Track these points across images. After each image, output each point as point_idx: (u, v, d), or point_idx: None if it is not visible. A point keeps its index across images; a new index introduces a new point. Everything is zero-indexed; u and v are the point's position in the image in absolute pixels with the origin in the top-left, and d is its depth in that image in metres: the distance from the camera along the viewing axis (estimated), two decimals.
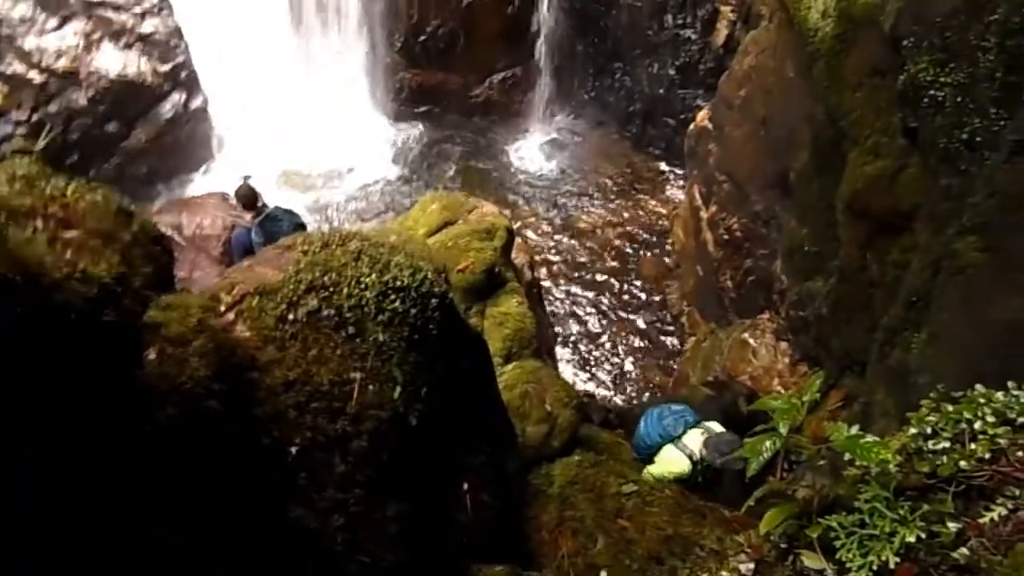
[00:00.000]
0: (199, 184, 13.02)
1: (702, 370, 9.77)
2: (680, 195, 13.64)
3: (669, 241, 12.94)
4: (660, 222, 13.60)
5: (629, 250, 13.11)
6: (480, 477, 3.24)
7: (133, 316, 2.03)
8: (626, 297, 12.27)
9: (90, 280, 1.83)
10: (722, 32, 13.27)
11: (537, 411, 4.94)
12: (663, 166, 14.84)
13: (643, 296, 12.31)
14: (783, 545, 2.24)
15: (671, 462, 5.05)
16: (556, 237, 13.29)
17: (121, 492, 1.81)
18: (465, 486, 3.17)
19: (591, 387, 10.70)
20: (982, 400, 2.20)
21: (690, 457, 5.00)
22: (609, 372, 11.08)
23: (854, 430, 2.10)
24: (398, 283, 2.78)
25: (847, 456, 2.12)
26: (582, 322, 11.79)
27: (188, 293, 2.50)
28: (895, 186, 6.53)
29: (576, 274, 12.60)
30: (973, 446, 2.13)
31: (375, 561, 2.52)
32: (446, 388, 2.99)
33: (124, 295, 1.98)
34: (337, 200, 13.66)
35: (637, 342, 11.55)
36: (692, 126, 11.65)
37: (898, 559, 1.95)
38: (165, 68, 12.58)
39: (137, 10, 12.29)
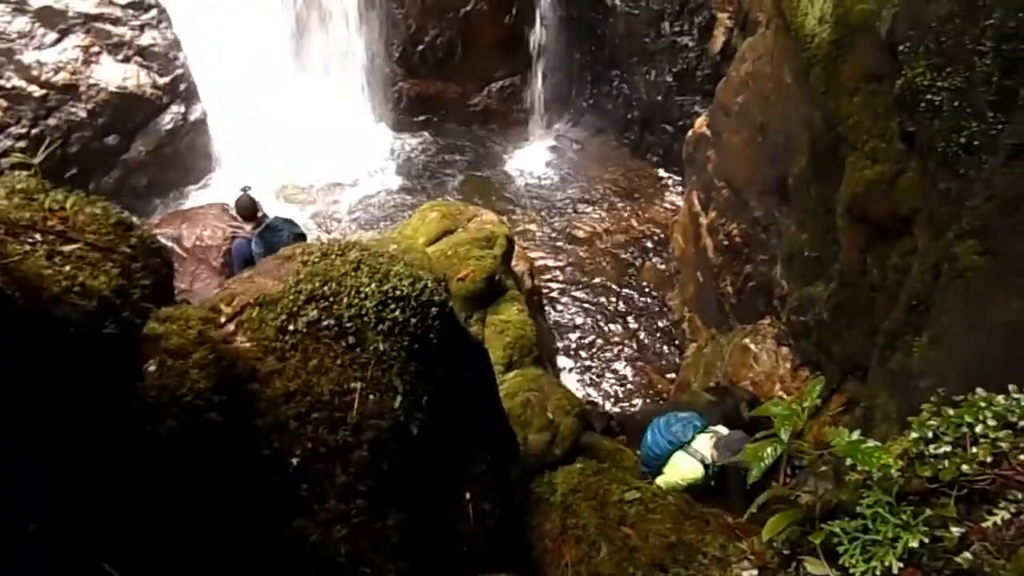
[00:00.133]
0: (199, 196, 13.03)
1: (703, 376, 9.76)
2: (679, 201, 13.65)
3: (669, 247, 12.95)
4: (659, 229, 13.61)
5: (629, 257, 13.12)
6: (482, 486, 3.23)
7: (133, 328, 2.03)
8: (626, 304, 12.27)
9: (89, 293, 1.83)
10: (719, 39, 13.32)
11: (539, 419, 4.93)
12: (661, 173, 14.86)
13: (644, 303, 12.31)
14: (786, 551, 2.23)
15: (684, 469, 4.97)
16: (556, 244, 13.29)
17: (123, 499, 1.81)
18: (467, 495, 3.16)
19: (592, 394, 10.68)
20: (983, 404, 2.20)
21: (702, 462, 4.93)
22: (610, 379, 11.06)
23: (855, 435, 2.10)
24: (398, 292, 2.78)
25: (849, 461, 2.11)
26: (583, 329, 11.79)
27: (188, 305, 2.51)
28: (894, 190, 6.54)
29: (576, 281, 12.60)
30: (975, 450, 2.12)
31: (377, 571, 2.52)
32: (447, 397, 2.99)
33: (123, 308, 1.98)
34: (337, 210, 13.67)
35: (638, 349, 11.54)
36: (690, 133, 11.67)
37: (901, 564, 1.95)
38: (164, 80, 12.61)
39: (136, 23, 12.33)
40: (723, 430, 5.10)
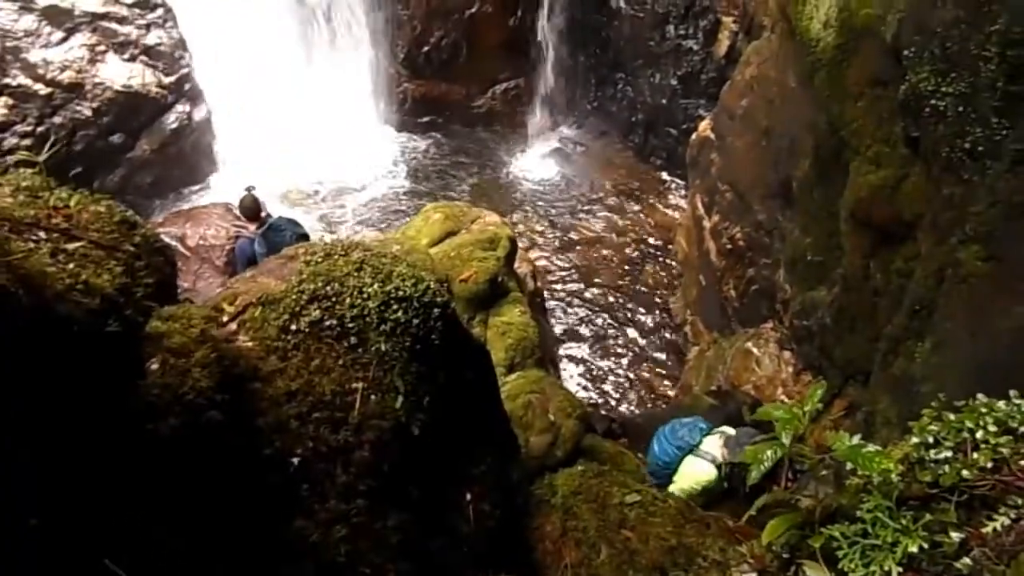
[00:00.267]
0: (202, 195, 13.06)
1: (705, 380, 9.75)
2: (683, 205, 13.65)
3: (672, 251, 12.95)
4: (662, 232, 13.61)
5: (631, 259, 13.12)
6: (483, 487, 3.23)
7: (135, 327, 2.04)
8: (629, 306, 12.27)
9: (93, 291, 1.84)
10: (724, 43, 13.32)
11: (540, 421, 4.94)
12: (665, 176, 14.87)
13: (646, 305, 12.30)
14: (785, 555, 2.23)
15: (696, 473, 4.88)
16: (559, 247, 13.30)
17: (123, 498, 1.81)
18: (468, 496, 3.16)
19: (594, 397, 10.68)
20: (984, 409, 2.20)
21: (713, 462, 4.86)
22: (612, 382, 11.06)
23: (856, 439, 2.10)
24: (400, 293, 2.78)
25: (849, 466, 2.11)
26: (585, 332, 11.78)
27: (191, 304, 2.51)
28: (897, 195, 6.53)
29: (579, 284, 12.60)
30: (975, 455, 2.12)
31: (377, 572, 2.52)
32: (448, 398, 2.99)
33: (126, 306, 1.99)
34: (340, 210, 13.69)
35: (640, 352, 11.54)
36: (694, 136, 11.67)
37: (901, 569, 1.94)
38: (169, 80, 12.64)
39: (142, 22, 12.36)
40: (730, 430, 5.03)
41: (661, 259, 13.11)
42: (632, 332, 11.83)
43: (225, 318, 2.60)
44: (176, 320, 2.20)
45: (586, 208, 14.20)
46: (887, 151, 6.62)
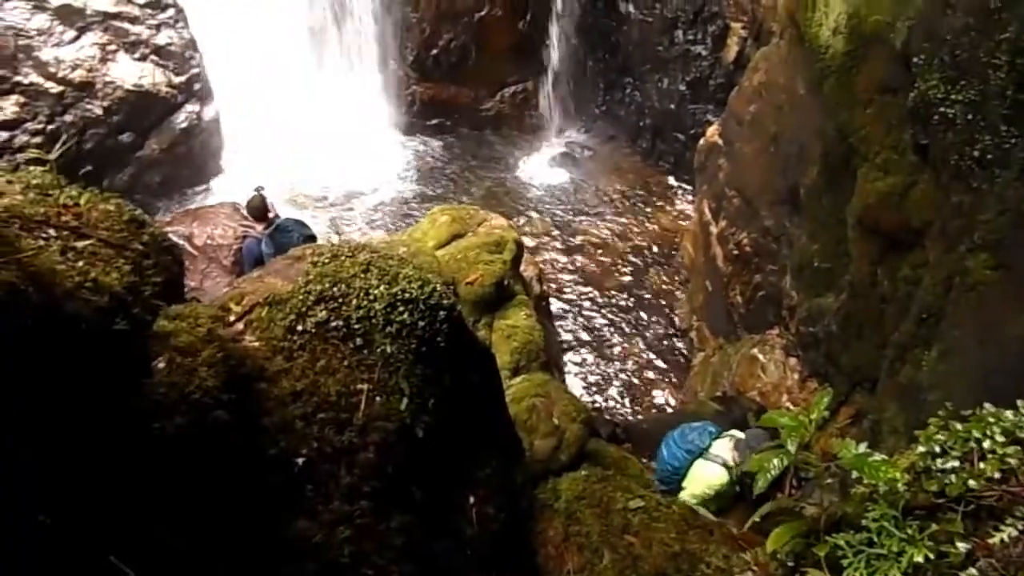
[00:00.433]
0: (210, 195, 13.10)
1: (711, 385, 9.73)
2: (689, 210, 13.64)
3: (678, 256, 12.93)
4: (669, 237, 13.59)
5: (638, 264, 13.11)
6: (487, 490, 3.23)
7: (143, 325, 2.04)
8: (635, 311, 12.25)
9: (101, 289, 1.85)
10: (732, 48, 13.31)
11: (545, 425, 4.93)
12: (672, 181, 14.85)
13: (651, 310, 12.29)
14: (790, 563, 2.22)
15: (707, 477, 4.82)
16: (565, 250, 13.30)
17: (127, 497, 1.81)
18: (472, 499, 3.16)
19: (598, 401, 10.67)
20: (991, 419, 2.19)
21: (724, 465, 4.82)
22: (617, 386, 11.05)
23: (862, 448, 2.09)
24: (407, 295, 2.78)
25: (855, 474, 2.10)
26: (590, 336, 11.78)
27: (198, 303, 2.52)
28: (906, 203, 6.51)
29: (585, 288, 12.60)
30: (982, 465, 2.11)
31: (380, 573, 2.52)
32: (454, 400, 2.99)
33: (134, 304, 2.00)
34: (347, 211, 13.72)
35: (645, 356, 11.52)
36: (702, 141, 11.66)
37: None
38: (180, 80, 12.70)
39: (153, 22, 12.42)
40: (739, 433, 4.99)
41: (667, 264, 13.09)
42: (637, 337, 11.81)
43: (232, 318, 2.61)
44: (183, 319, 2.21)
45: (593, 212, 14.20)
46: (896, 158, 6.61)
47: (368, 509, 2.52)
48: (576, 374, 11.04)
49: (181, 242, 9.51)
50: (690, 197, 14.02)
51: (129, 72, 12.16)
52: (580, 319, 12.03)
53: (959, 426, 2.21)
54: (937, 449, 2.15)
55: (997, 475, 2.08)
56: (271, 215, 8.25)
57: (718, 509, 4.68)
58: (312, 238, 8.04)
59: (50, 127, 11.27)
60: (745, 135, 9.99)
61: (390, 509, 2.61)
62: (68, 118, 11.52)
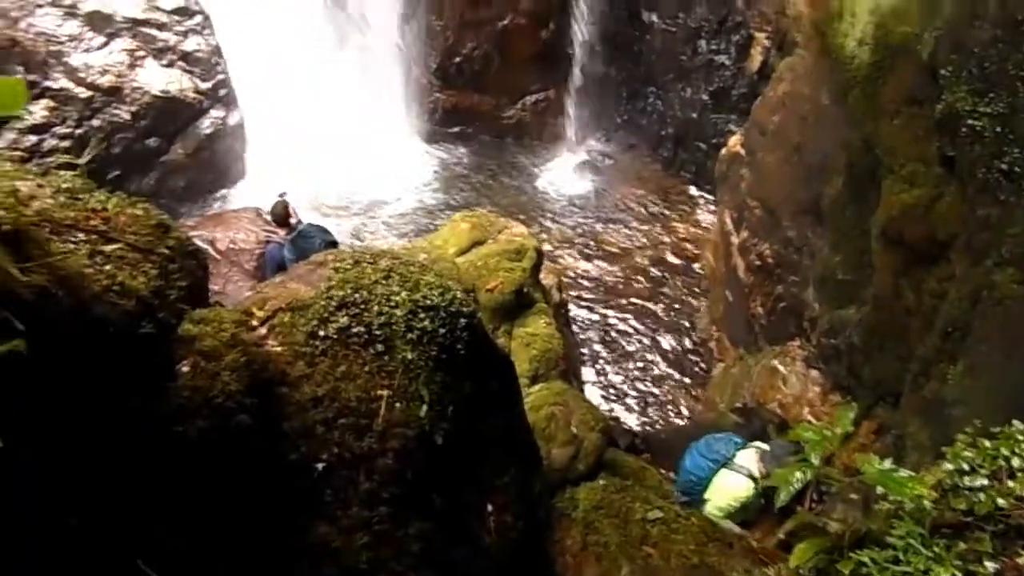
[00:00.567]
0: (233, 200, 13.22)
1: (730, 396, 9.64)
2: (710, 219, 13.56)
3: (699, 266, 12.86)
4: (690, 247, 13.52)
5: (658, 274, 13.04)
6: (505, 498, 3.22)
7: (168, 329, 2.06)
8: (654, 321, 12.19)
9: (128, 293, 1.87)
10: (756, 58, 13.24)
11: (563, 433, 4.91)
12: (693, 190, 14.78)
13: (671, 320, 12.22)
14: None
15: (733, 489, 4.75)
16: (585, 259, 13.27)
17: (151, 499, 1.83)
18: (490, 507, 3.15)
19: (616, 410, 10.61)
20: (1020, 436, 2.15)
21: (750, 476, 4.75)
22: (635, 396, 10.99)
23: (887, 463, 2.06)
24: (427, 302, 2.79)
25: (880, 490, 2.07)
26: (609, 345, 11.73)
27: (222, 307, 2.54)
28: (931, 215, 6.43)
29: (604, 296, 12.55)
30: (1011, 484, 2.07)
31: None
32: (473, 408, 2.99)
33: (160, 308, 2.02)
34: (368, 218, 13.78)
35: (664, 367, 11.45)
36: (724, 151, 11.60)
37: None
38: (205, 86, 12.85)
39: (180, 28, 12.60)
40: (764, 445, 4.92)
41: (687, 274, 13.01)
42: (656, 347, 11.75)
43: (255, 322, 2.62)
44: (208, 323, 2.23)
45: (613, 221, 14.16)
46: (922, 170, 6.53)
47: (387, 515, 2.53)
48: (594, 383, 10.99)
49: (204, 246, 9.60)
50: (711, 207, 13.95)
51: (156, 78, 12.32)
52: (599, 327, 11.99)
53: (987, 443, 2.17)
54: (965, 467, 2.11)
55: None
56: (293, 221, 8.31)
57: (742, 521, 4.63)
58: (334, 244, 8.09)
59: (78, 131, 11.44)
60: (768, 145, 9.92)
61: (409, 515, 2.61)
62: (96, 122, 11.68)
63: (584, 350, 11.29)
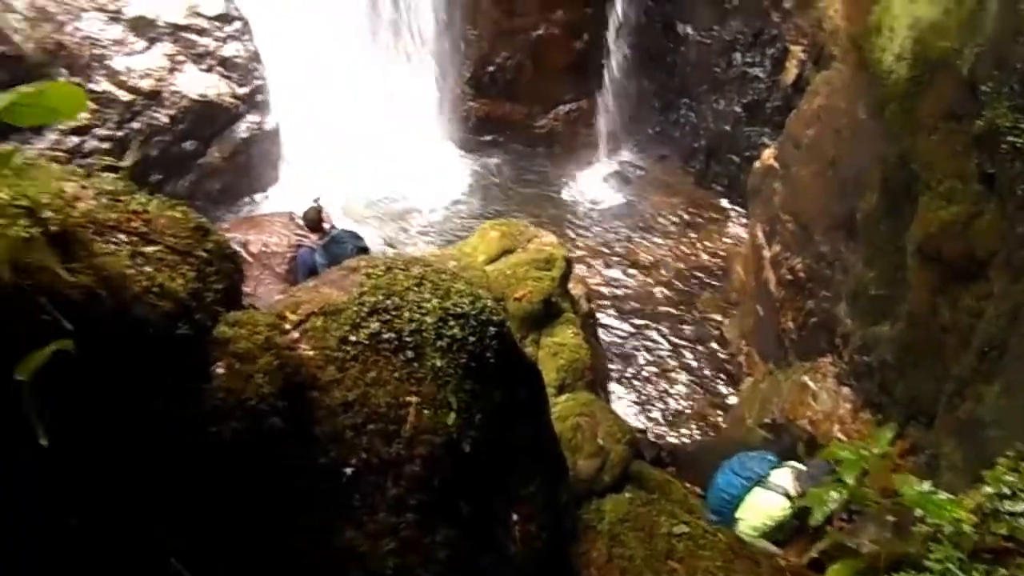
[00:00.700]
0: (266, 203, 13.40)
1: (759, 412, 9.53)
2: (741, 232, 13.44)
3: (729, 279, 12.74)
4: (720, 259, 13.41)
5: (687, 286, 12.95)
6: (532, 508, 3.21)
7: (204, 331, 2.09)
8: (683, 334, 12.09)
9: (167, 295, 1.89)
10: (792, 71, 13.12)
11: (589, 444, 4.89)
12: (725, 203, 14.66)
13: (700, 333, 12.11)
14: None
15: (768, 508, 4.65)
16: (614, 270, 13.22)
17: (184, 499, 1.85)
18: (516, 516, 3.14)
19: (643, 423, 10.53)
20: None
21: (785, 495, 4.67)
22: (662, 409, 10.90)
23: (927, 485, 2.02)
24: (458, 310, 2.80)
25: (918, 512, 2.03)
26: (637, 357, 11.65)
27: (256, 310, 2.57)
28: (969, 232, 6.32)
29: (633, 308, 12.48)
30: None
31: None
32: (501, 416, 2.99)
33: (197, 310, 2.04)
34: (401, 226, 13.87)
35: (692, 380, 11.35)
36: (757, 164, 11.50)
37: None
38: (243, 91, 13.05)
39: (220, 34, 12.81)
40: (800, 465, 4.83)
41: (717, 287, 12.90)
42: (684, 359, 11.65)
43: (288, 326, 2.64)
44: (242, 326, 2.25)
45: (643, 232, 14.09)
46: (960, 187, 6.42)
47: (414, 522, 2.53)
48: (621, 395, 10.93)
49: (238, 248, 9.73)
50: (742, 220, 13.82)
51: (195, 82, 12.54)
52: (626, 339, 11.92)
53: None
54: (1007, 491, 2.06)
55: None
56: (326, 226, 8.39)
57: (775, 541, 4.55)
58: (365, 250, 8.16)
59: (118, 134, 11.67)
60: (802, 159, 9.82)
61: (436, 522, 2.61)
62: (136, 125, 11.91)
63: (612, 361, 11.24)
